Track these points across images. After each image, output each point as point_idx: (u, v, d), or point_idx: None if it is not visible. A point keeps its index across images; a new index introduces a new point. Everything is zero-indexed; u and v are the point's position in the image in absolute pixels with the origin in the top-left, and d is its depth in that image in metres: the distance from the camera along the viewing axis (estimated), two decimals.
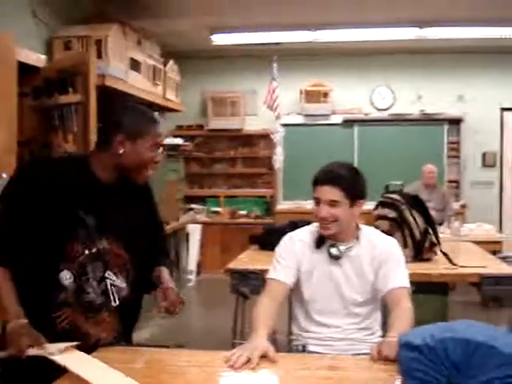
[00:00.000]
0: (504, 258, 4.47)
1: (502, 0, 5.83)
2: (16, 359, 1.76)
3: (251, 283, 3.44)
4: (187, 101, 7.78)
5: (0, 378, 1.90)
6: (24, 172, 1.96)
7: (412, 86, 8.17)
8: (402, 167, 7.51)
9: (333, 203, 2.25)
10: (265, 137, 8.33)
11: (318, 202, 2.29)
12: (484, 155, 8.16)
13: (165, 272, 2.18)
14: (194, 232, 7.71)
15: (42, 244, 1.87)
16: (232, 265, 3.64)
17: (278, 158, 7.86)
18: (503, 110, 8.13)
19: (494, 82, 8.02)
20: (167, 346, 2.18)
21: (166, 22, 6.59)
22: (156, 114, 2.06)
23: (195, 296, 7.35)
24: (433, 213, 4.34)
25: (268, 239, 4.03)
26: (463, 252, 4.25)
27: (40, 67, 4.57)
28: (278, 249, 2.44)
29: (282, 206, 8.27)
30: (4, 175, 3.24)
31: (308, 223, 2.52)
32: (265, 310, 2.18)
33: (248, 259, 3.89)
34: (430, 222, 3.77)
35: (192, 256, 7.61)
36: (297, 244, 2.39)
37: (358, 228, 2.38)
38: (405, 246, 3.58)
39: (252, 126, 8.49)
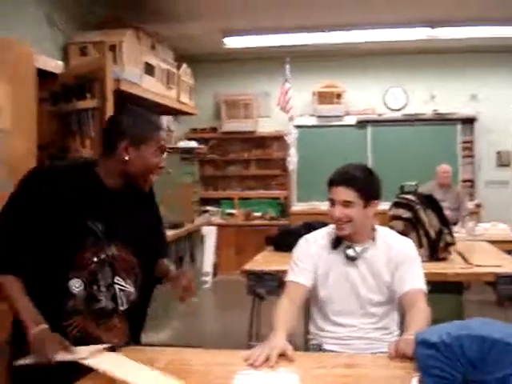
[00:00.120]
0: None
1: None
2: (43, 366, 1.74)
3: (267, 284, 3.46)
4: (201, 104, 7.82)
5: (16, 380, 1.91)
6: (32, 180, 1.92)
7: (425, 85, 8.17)
8: (416, 167, 7.49)
9: (347, 204, 2.29)
10: (278, 138, 8.35)
11: (332, 202, 2.33)
12: (498, 154, 8.14)
13: (166, 261, 2.20)
14: (210, 234, 7.74)
15: (50, 253, 1.87)
16: (248, 266, 3.66)
17: (292, 160, 7.87)
18: None
19: (507, 80, 8.00)
20: (189, 346, 2.19)
21: (179, 26, 6.65)
22: (160, 118, 2.06)
23: (211, 298, 7.39)
24: (447, 212, 4.35)
25: (283, 240, 4.07)
26: (478, 251, 4.24)
27: (57, 73, 4.63)
28: (295, 252, 2.47)
29: (297, 207, 8.29)
30: None
31: (323, 224, 2.55)
32: (284, 312, 2.21)
33: (264, 260, 3.91)
34: (445, 222, 3.78)
35: (208, 258, 7.64)
36: (313, 246, 2.42)
37: (373, 229, 2.41)
38: (420, 245, 3.59)
39: (265, 127, 8.52)
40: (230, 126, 8.49)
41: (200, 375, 1.78)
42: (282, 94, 7.56)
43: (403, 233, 3.17)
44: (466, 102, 8.07)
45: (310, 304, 2.53)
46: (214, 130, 8.64)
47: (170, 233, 5.07)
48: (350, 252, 2.34)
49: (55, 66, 4.67)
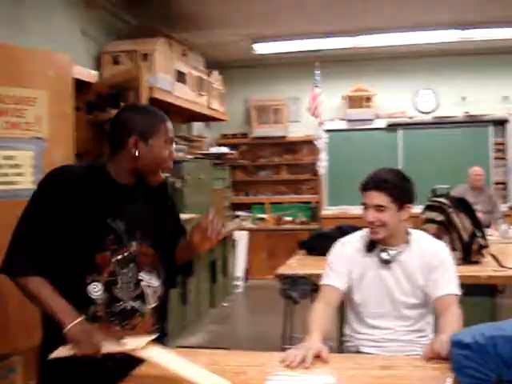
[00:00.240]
0: None
1: None
2: (84, 359, 1.74)
3: (300, 288, 3.48)
4: (231, 110, 7.90)
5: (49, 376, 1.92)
6: (50, 182, 1.92)
7: (455, 87, 8.11)
8: (447, 170, 7.45)
9: (379, 208, 2.31)
10: (308, 143, 8.37)
11: (366, 207, 2.36)
12: None
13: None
14: (241, 239, 7.81)
15: (69, 256, 1.86)
16: (281, 270, 3.68)
17: (322, 164, 7.88)
18: None
19: None
20: (224, 348, 2.23)
21: (209, 34, 6.73)
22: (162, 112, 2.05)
23: (243, 302, 7.44)
24: (480, 215, 4.32)
25: (316, 244, 4.11)
26: None
27: (92, 82, 4.75)
28: (329, 255, 2.50)
29: (327, 211, 8.30)
30: None
31: (354, 228, 2.58)
32: (319, 315, 2.25)
33: (297, 264, 3.93)
34: (478, 225, 3.77)
35: (239, 262, 7.71)
36: (347, 250, 2.45)
37: (407, 232, 2.42)
38: (453, 248, 3.58)
39: (295, 132, 8.55)
40: (261, 131, 8.55)
41: (239, 376, 1.82)
42: (311, 98, 7.59)
43: (436, 236, 3.17)
44: (497, 104, 7.99)
45: (346, 307, 2.55)
46: (245, 135, 8.71)
47: None
48: (384, 255, 2.37)
49: (90, 75, 4.78)
